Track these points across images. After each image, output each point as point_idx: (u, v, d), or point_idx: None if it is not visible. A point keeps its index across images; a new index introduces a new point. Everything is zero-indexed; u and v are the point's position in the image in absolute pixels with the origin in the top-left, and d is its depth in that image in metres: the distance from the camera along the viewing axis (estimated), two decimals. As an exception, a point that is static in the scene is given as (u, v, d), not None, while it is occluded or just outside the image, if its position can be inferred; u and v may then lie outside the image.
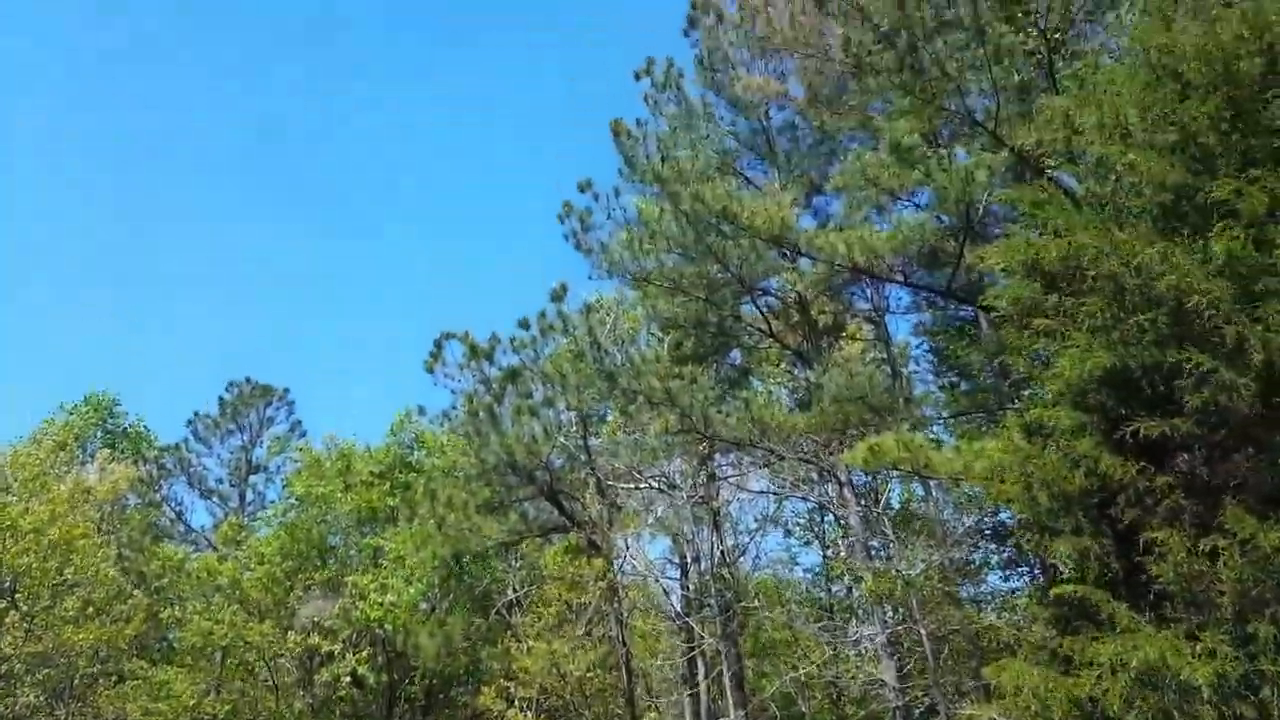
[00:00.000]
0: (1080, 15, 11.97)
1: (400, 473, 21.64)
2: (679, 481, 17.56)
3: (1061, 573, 7.59)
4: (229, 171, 66.63)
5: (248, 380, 30.19)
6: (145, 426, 30.08)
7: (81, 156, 61.98)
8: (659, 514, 17.56)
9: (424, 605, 18.87)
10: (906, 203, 15.35)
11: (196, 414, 29.65)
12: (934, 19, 12.47)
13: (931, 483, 17.07)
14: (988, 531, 18.54)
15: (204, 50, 66.91)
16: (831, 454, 15.07)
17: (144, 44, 66.12)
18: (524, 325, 18.25)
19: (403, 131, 68.73)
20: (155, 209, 62.13)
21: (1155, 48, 6.16)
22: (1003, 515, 17.03)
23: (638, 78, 18.65)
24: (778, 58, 18.55)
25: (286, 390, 30.49)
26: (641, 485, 17.67)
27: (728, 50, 18.53)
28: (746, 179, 18.42)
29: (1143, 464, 6.62)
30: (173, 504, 28.47)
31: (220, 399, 29.73)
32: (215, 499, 28.79)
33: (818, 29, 17.00)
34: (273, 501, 27.44)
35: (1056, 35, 11.58)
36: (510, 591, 19.36)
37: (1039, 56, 11.74)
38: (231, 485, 28.97)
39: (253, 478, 29.11)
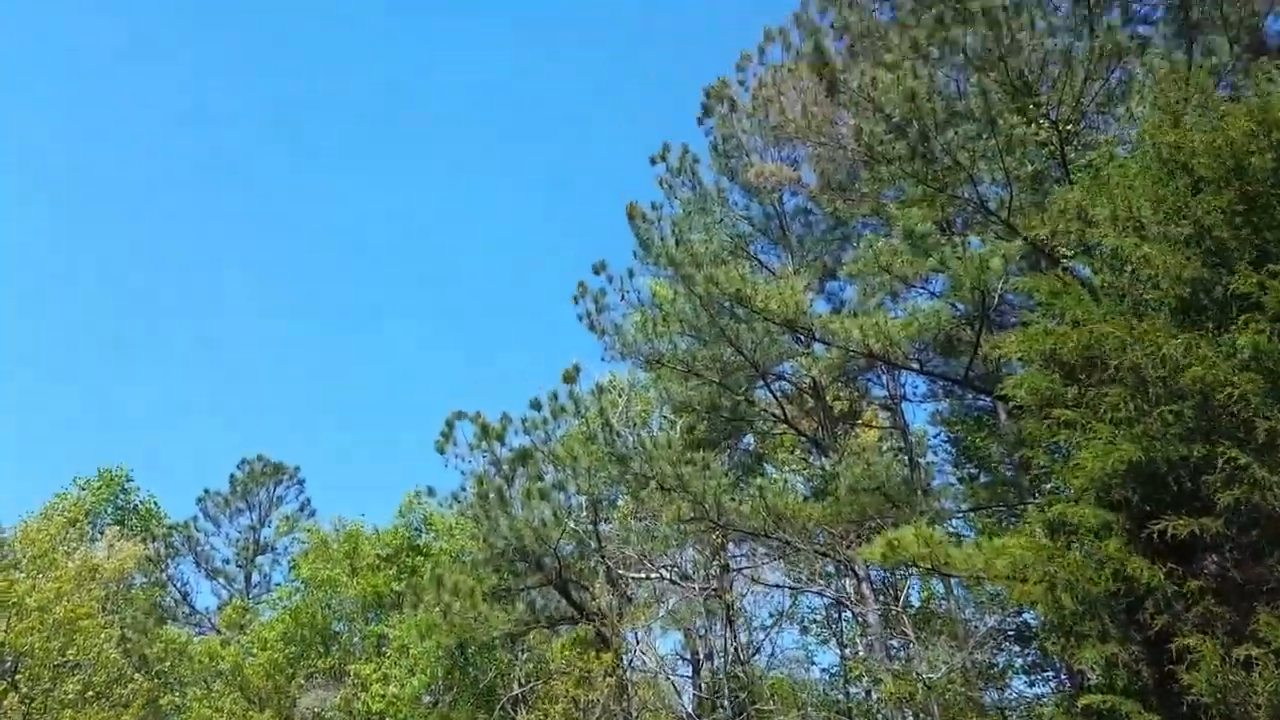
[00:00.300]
0: (1092, 107, 12.02)
1: (407, 556, 21.29)
2: (691, 572, 17.16)
3: (1089, 680, 7.22)
4: (241, 257, 67.72)
5: (259, 458, 30.19)
6: (156, 503, 29.97)
7: (96, 236, 63.28)
8: (671, 606, 17.10)
9: (427, 698, 18.34)
10: (921, 290, 15.30)
11: (207, 491, 29.60)
12: (945, 110, 12.58)
13: (952, 580, 16.59)
14: (1011, 633, 17.91)
15: (209, 137, 68.68)
16: (849, 547, 14.69)
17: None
18: (536, 406, 18.13)
19: (417, 210, 69.89)
20: (172, 289, 62.99)
21: (1165, 144, 6.10)
22: (1026, 616, 16.47)
23: (653, 162, 18.97)
24: (791, 145, 18.79)
25: (297, 468, 30.48)
26: (653, 575, 17.26)
27: (741, 137, 18.80)
28: (760, 263, 18.49)
29: (1171, 566, 6.33)
30: (178, 584, 28.22)
31: (231, 476, 29.69)
32: (221, 579, 28.52)
33: (830, 118, 17.23)
34: (278, 584, 27.15)
35: (1068, 127, 11.62)
36: (516, 685, 18.78)
37: (1051, 147, 11.76)
38: (238, 565, 28.72)
39: (259, 558, 28.91)
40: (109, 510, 28.39)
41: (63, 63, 63.68)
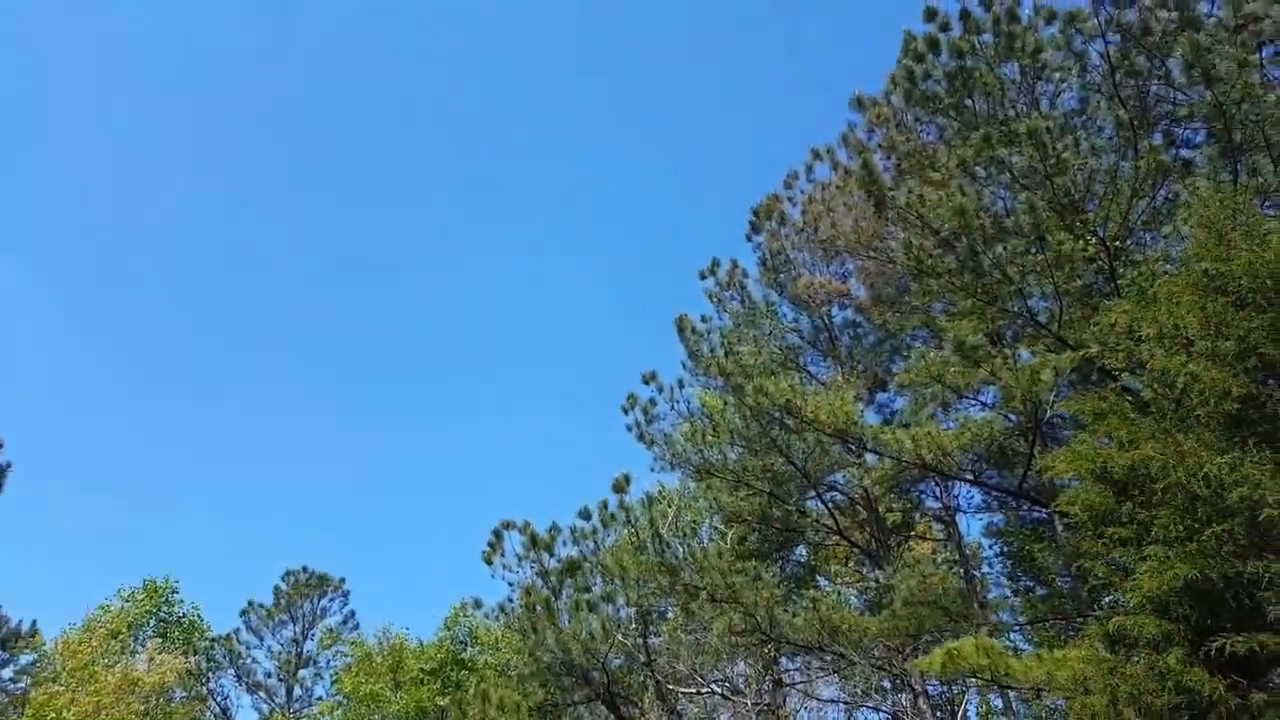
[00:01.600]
0: (1138, 224, 12.23)
1: (452, 670, 21.14)
2: (743, 687, 16.81)
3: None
4: (292, 359, 69.63)
5: (304, 569, 30.31)
6: (200, 615, 30.12)
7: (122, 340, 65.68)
8: (721, 721, 16.72)
9: (473, 814, 17.92)
10: (972, 401, 15.31)
11: (251, 603, 29.66)
12: (993, 226, 12.86)
13: (1011, 694, 16.04)
14: (1073, 750, 17.13)
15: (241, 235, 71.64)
16: (904, 659, 14.35)
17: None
18: (585, 515, 18.18)
19: (468, 318, 71.59)
20: (215, 395, 64.73)
21: (1208, 263, 6.28)
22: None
23: (703, 276, 19.47)
24: (839, 259, 19.21)
25: (343, 580, 30.52)
26: (704, 690, 16.93)
27: (790, 252, 19.26)
28: (809, 374, 18.66)
29: (1234, 679, 6.21)
30: (219, 698, 28.08)
31: (275, 588, 29.78)
32: (262, 693, 28.33)
33: (879, 233, 17.67)
34: (320, 698, 26.92)
35: (1116, 243, 11.80)
36: (563, 802, 18.35)
37: (1099, 263, 11.92)
38: (280, 679, 28.54)
39: (302, 672, 28.71)
40: (152, 622, 28.55)
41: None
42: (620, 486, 17.72)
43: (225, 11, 68.11)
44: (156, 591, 28.75)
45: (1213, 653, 6.34)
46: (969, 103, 14.52)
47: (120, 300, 65.01)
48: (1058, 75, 13.74)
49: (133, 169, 66.69)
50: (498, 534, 18.66)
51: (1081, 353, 10.41)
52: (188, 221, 67.60)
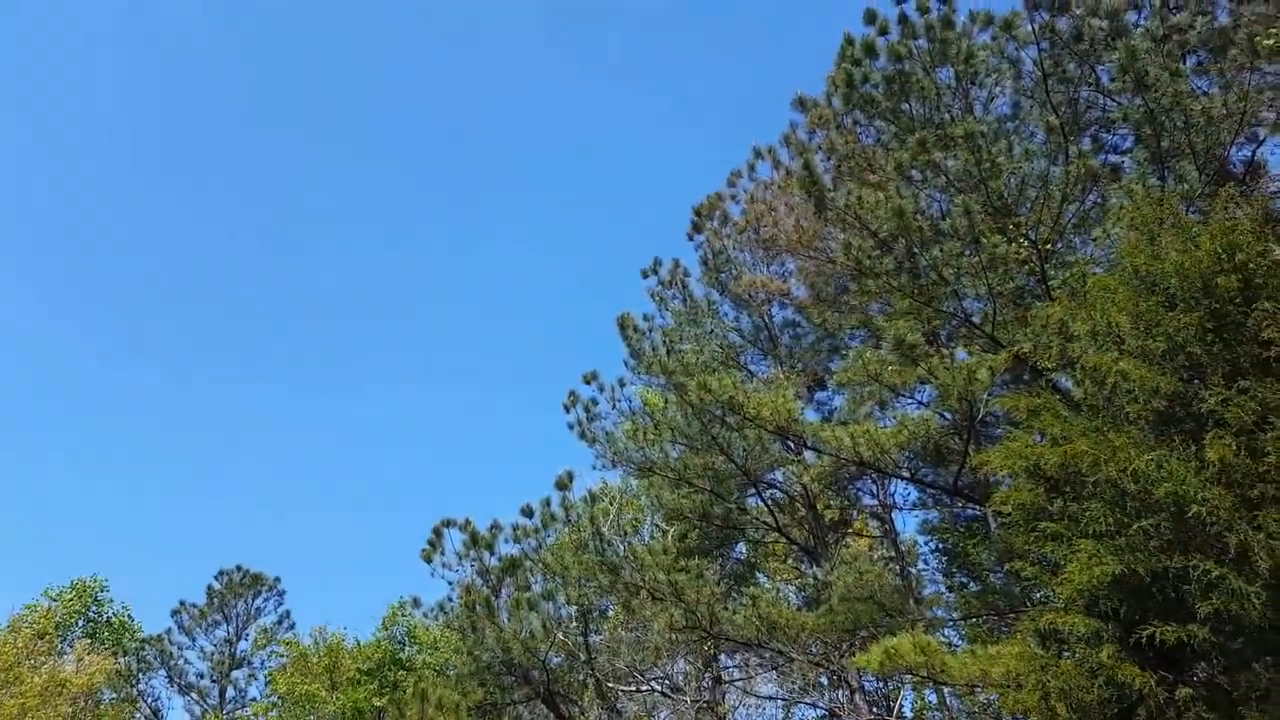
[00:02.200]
0: (1069, 227, 12.54)
1: (390, 670, 20.84)
2: (683, 684, 16.86)
3: (1082, 793, 7.15)
4: (227, 343, 68.13)
5: (238, 568, 29.66)
6: (130, 615, 29.26)
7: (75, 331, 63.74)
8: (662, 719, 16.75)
9: (410, 816, 17.68)
10: (909, 400, 15.57)
11: (183, 603, 28.95)
12: (930, 228, 13.07)
13: (945, 689, 16.36)
14: (1005, 745, 17.55)
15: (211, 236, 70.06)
16: (842, 657, 14.53)
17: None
18: (527, 513, 18.07)
19: (411, 307, 70.76)
20: (151, 388, 63.06)
21: (1139, 263, 6.45)
22: (1021, 727, 16.16)
23: (645, 275, 19.49)
24: (780, 259, 19.37)
25: (278, 579, 29.91)
26: (644, 688, 16.95)
27: (731, 251, 19.37)
28: (750, 372, 18.79)
29: (1162, 674, 6.40)
30: (149, 699, 27.33)
31: (208, 587, 29.10)
32: (194, 695, 27.63)
33: (819, 233, 17.84)
34: (253, 699, 26.35)
35: (1048, 246, 12.08)
36: (501, 808, 18.21)
37: (1031, 265, 12.20)
38: (212, 680, 27.88)
39: (235, 672, 28.07)
40: (80, 622, 27.70)
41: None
42: (563, 484, 17.66)
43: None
44: (85, 590, 27.88)
45: (1144, 647, 6.51)
46: (906, 106, 14.76)
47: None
48: (991, 80, 14.03)
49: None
50: (438, 532, 18.44)
51: (1015, 349, 10.63)
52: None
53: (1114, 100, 11.74)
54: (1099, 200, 12.40)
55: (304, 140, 73.49)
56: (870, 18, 14.22)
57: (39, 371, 61.88)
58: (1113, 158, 12.91)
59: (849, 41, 14.63)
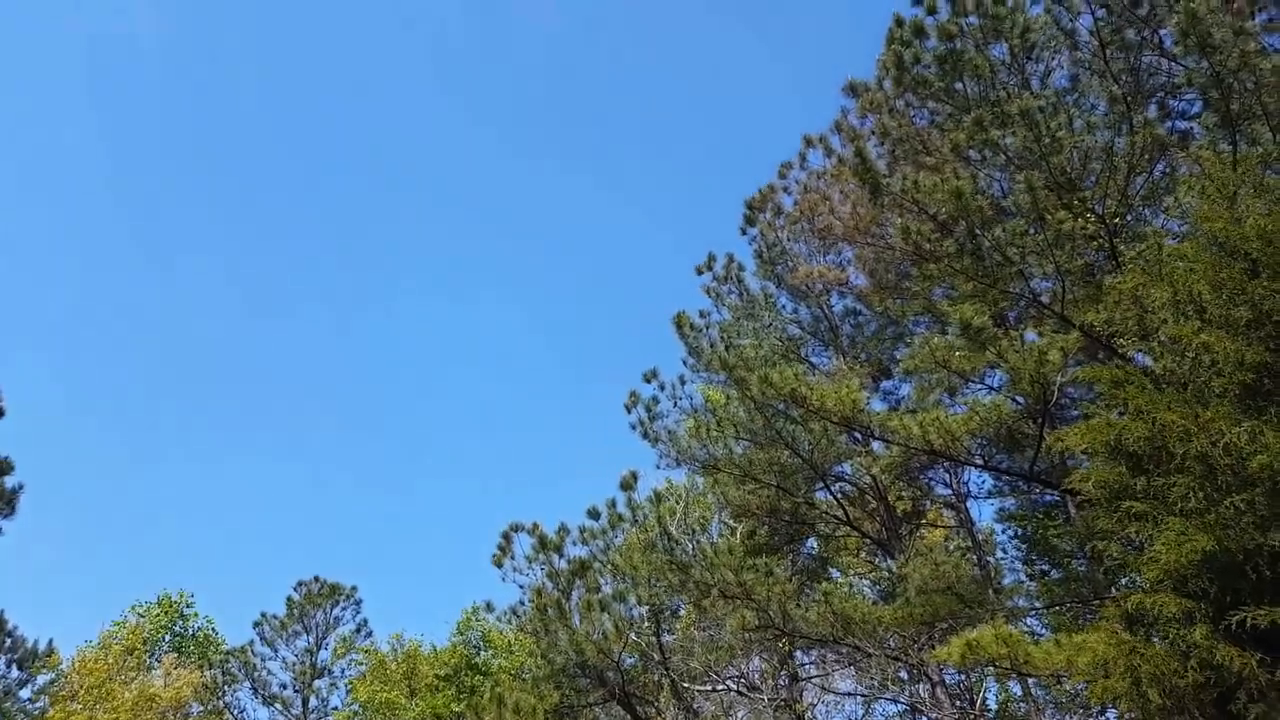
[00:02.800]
0: (1138, 200, 12.12)
1: (466, 675, 21.06)
2: (759, 683, 16.70)
3: (1182, 781, 6.87)
4: (296, 376, 69.70)
5: (316, 579, 30.20)
6: (214, 629, 30.05)
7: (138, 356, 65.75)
8: (739, 719, 16.60)
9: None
10: (979, 385, 15.20)
11: (264, 615, 29.57)
12: (991, 207, 12.75)
13: (1030, 680, 15.94)
14: (1094, 734, 17.05)
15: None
16: (921, 650, 14.25)
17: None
18: (593, 515, 18.09)
19: (469, 325, 71.65)
20: (225, 407, 64.79)
21: (1219, 228, 6.16)
22: (1109, 715, 15.71)
23: (699, 272, 19.37)
24: (836, 248, 19.10)
25: (354, 588, 30.37)
26: (719, 687, 16.83)
27: (786, 243, 19.16)
28: (812, 365, 18.57)
29: (1261, 655, 6.11)
30: (235, 711, 27.98)
31: (288, 599, 29.69)
32: (279, 705, 28.22)
33: (876, 219, 17.55)
34: (335, 708, 26.86)
35: (1116, 220, 11.70)
36: (582, 804, 18.24)
37: (1100, 240, 11.82)
38: (295, 690, 28.43)
39: (317, 682, 28.59)
40: (167, 637, 28.52)
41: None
42: (627, 485, 17.62)
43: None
44: (171, 606, 28.70)
45: (1237, 628, 6.23)
46: (960, 86, 14.41)
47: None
48: (1048, 53, 13.65)
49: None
50: (506, 536, 18.57)
51: (1088, 323, 10.27)
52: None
53: (1179, 64, 11.31)
54: (1168, 169, 11.97)
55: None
56: (917, -2, 13.94)
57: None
58: (1180, 124, 12.46)
59: (898, 23, 14.35)
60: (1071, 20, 12.91)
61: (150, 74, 69.18)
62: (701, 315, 17.38)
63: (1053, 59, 13.58)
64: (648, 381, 17.51)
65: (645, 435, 17.17)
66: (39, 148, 65.15)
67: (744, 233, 19.43)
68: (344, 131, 75.11)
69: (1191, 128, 12.08)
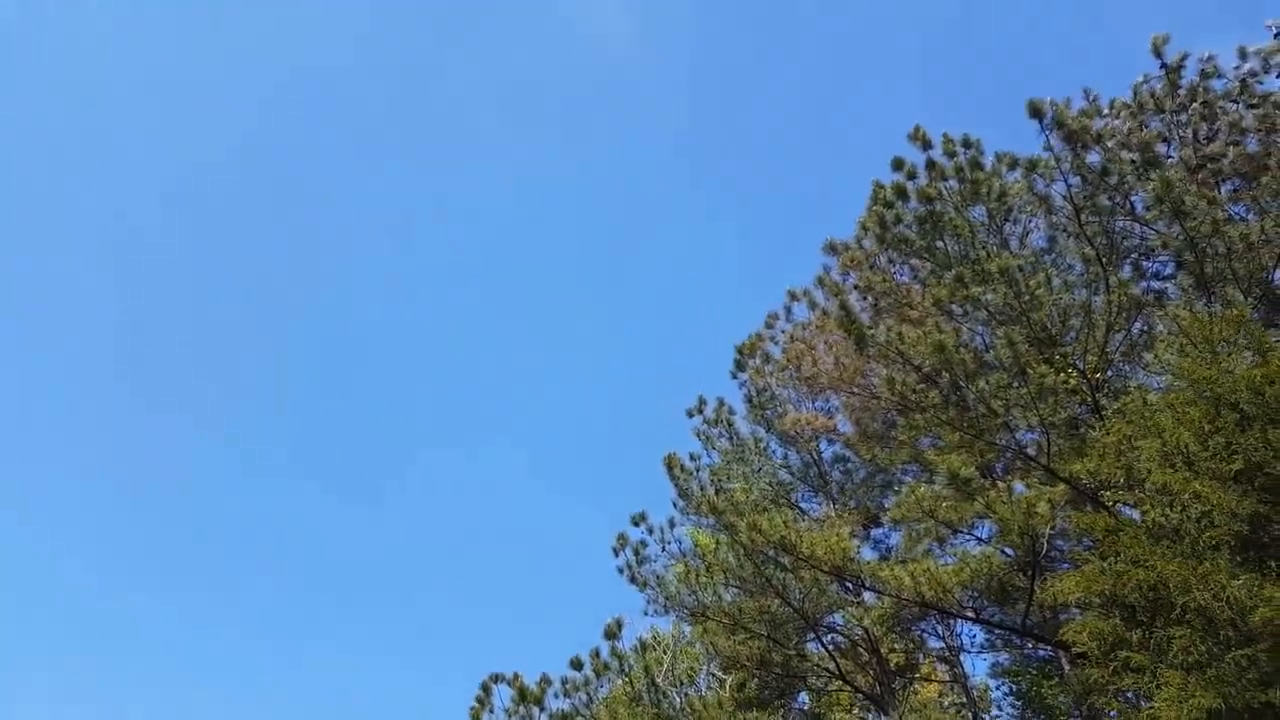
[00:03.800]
0: (1117, 355, 12.53)
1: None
2: (749, 846, 15.90)
3: None
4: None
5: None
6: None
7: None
8: None
9: None
10: (967, 536, 15.23)
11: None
12: (974, 360, 13.13)
13: None
14: None
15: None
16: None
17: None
18: (576, 665, 17.57)
19: (448, 478, 71.06)
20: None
21: (1203, 379, 6.41)
22: None
23: (690, 415, 19.60)
24: (824, 395, 19.44)
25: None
26: None
27: (775, 389, 19.51)
28: (801, 510, 18.57)
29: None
30: None
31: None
32: None
33: (861, 370, 17.97)
34: None
35: (1097, 375, 12.06)
36: None
37: (1082, 394, 12.14)
38: None
39: None
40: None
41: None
42: (612, 633, 17.23)
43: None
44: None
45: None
46: (940, 244, 15.05)
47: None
48: (1025, 215, 14.36)
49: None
50: (485, 688, 17.96)
51: (1075, 474, 10.44)
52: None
53: (1151, 229, 11.96)
54: (1146, 327, 12.43)
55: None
56: (898, 164, 14.70)
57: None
58: (1155, 284, 13.03)
59: (879, 187, 15.12)
60: (1046, 186, 13.65)
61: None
62: (692, 458, 17.48)
63: (1030, 220, 14.27)
64: (636, 525, 17.41)
65: (632, 579, 16.95)
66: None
67: (734, 376, 19.82)
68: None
69: (1166, 288, 12.64)
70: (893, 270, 17.23)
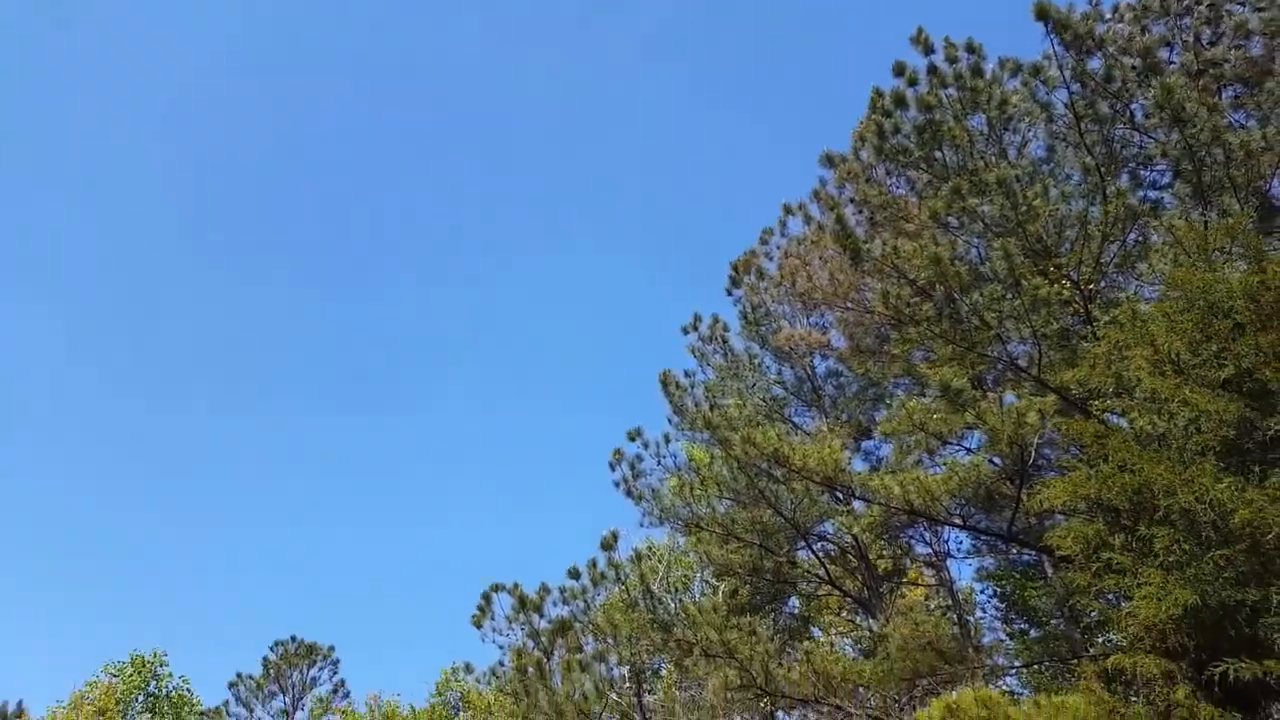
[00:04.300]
0: (1111, 267, 12.52)
1: (445, 736, 20.70)
2: (740, 742, 16.55)
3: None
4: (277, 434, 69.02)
5: (292, 639, 29.80)
6: (189, 688, 29.46)
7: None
8: (720, 778, 16.40)
9: None
10: (957, 446, 15.43)
11: (239, 675, 29.12)
12: (969, 273, 13.11)
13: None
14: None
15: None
16: (901, 709, 14.22)
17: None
18: (574, 574, 18.01)
19: (442, 375, 71.47)
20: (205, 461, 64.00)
21: (1197, 287, 6.42)
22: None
23: (685, 331, 19.65)
24: (819, 311, 19.45)
25: (332, 649, 29.99)
26: (700, 748, 16.65)
27: (770, 305, 19.50)
28: (795, 425, 18.75)
29: (1234, 713, 6.23)
30: (211, 771, 27.38)
31: (264, 659, 29.25)
32: (255, 765, 27.63)
33: (855, 284, 17.94)
34: (314, 767, 26.27)
35: (1090, 285, 12.06)
36: None
37: (1075, 305, 12.17)
38: (270, 753, 27.87)
39: (292, 743, 28.06)
40: (140, 697, 27.94)
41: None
42: (609, 544, 17.59)
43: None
44: (144, 665, 28.11)
45: (1214, 686, 6.35)
46: (938, 155, 14.88)
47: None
48: (1024, 125, 14.16)
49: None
50: (486, 597, 18.44)
51: (1064, 383, 10.55)
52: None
53: (1150, 137, 11.81)
54: (1140, 238, 12.40)
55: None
56: (899, 70, 14.43)
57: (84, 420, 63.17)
58: (1152, 194, 12.94)
59: (878, 94, 14.86)
60: (1047, 94, 13.44)
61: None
62: (687, 375, 17.60)
63: (1029, 130, 14.09)
64: (632, 440, 17.62)
65: (629, 493, 17.22)
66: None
67: (729, 293, 19.79)
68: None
69: (1163, 198, 12.56)
70: (889, 183, 17.07)
